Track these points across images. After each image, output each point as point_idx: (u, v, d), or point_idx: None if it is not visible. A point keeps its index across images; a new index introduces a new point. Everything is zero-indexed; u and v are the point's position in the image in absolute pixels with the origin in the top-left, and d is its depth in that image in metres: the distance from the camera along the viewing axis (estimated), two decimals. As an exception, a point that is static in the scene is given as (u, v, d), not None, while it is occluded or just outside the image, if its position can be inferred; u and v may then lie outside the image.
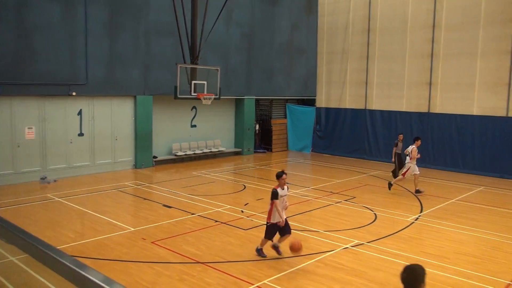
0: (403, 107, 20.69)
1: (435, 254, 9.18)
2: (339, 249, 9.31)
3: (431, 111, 19.82)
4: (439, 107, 19.62)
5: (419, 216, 12.10)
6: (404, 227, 11.04)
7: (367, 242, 9.77)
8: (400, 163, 16.49)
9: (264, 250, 8.84)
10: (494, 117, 18.00)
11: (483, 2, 18.12)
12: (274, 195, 8.53)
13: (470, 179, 17.13)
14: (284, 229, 8.64)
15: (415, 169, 14.41)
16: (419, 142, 14.67)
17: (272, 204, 8.56)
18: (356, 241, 9.81)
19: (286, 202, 8.82)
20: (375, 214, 12.11)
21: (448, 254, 9.18)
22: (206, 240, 9.77)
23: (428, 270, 8.21)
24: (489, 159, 18.10)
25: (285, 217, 8.67)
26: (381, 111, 21.41)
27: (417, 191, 14.45)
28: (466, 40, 18.61)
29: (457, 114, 19.00)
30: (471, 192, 14.92)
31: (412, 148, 14.40)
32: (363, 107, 22.11)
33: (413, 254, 9.16)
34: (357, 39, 22.26)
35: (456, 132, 18.99)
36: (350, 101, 22.69)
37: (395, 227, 10.92)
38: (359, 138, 22.23)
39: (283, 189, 8.69)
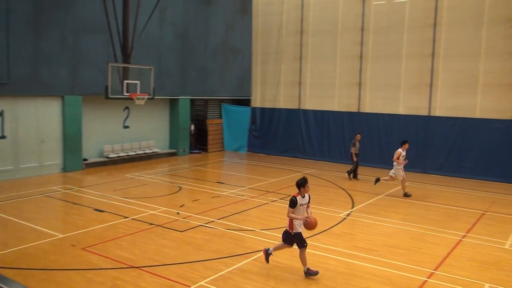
0: (335, 107, 21.40)
1: (365, 248, 9.57)
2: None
3: (361, 110, 20.67)
4: (368, 107, 20.51)
5: (350, 211, 12.56)
6: (336, 223, 11.41)
7: (302, 239, 9.98)
8: (356, 163, 17.21)
9: (269, 256, 8.42)
10: (417, 116, 19.12)
11: (407, 8, 19.19)
12: (292, 203, 7.89)
13: (423, 178, 17.97)
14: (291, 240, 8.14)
15: (400, 173, 14.42)
16: (406, 146, 14.59)
17: (290, 212, 7.94)
18: (291, 239, 9.98)
19: (308, 211, 8.15)
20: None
21: (377, 247, 9.60)
22: (140, 244, 9.52)
23: (358, 263, 8.63)
24: (413, 155, 19.15)
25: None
26: (314, 111, 22.00)
27: (406, 194, 14.50)
28: (392, 43, 19.61)
29: (384, 114, 19.96)
30: (398, 188, 15.72)
31: (398, 152, 14.43)
32: (297, 107, 22.60)
33: (344, 248, 9.49)
34: (290, 40, 22.73)
35: (383, 130, 19.94)
36: (284, 101, 23.11)
37: (328, 223, 11.25)
38: (294, 137, 22.71)
39: (303, 197, 8.03)
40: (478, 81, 17.78)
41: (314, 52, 21.95)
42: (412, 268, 8.49)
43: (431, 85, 18.81)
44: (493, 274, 8.34)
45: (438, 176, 18.27)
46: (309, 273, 7.99)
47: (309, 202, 8.16)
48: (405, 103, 19.53)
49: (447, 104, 18.56)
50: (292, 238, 8.05)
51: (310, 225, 7.94)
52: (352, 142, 17.23)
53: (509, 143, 17.12)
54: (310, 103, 22.21)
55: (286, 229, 8.12)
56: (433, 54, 18.64)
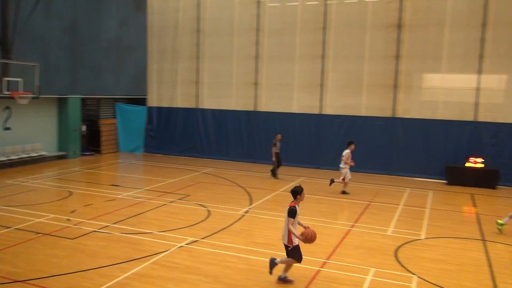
0: (233, 106, 21.68)
1: (263, 243, 9.84)
2: (174, 249, 9.29)
3: (258, 109, 21.20)
4: (264, 106, 21.10)
5: (249, 208, 12.82)
6: (235, 220, 11.57)
7: (201, 239, 9.97)
8: (279, 162, 17.43)
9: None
10: (310, 114, 20.11)
11: (298, 11, 20.07)
12: (293, 213, 7.50)
13: (292, 171, 18.80)
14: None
15: (349, 174, 14.98)
16: (352, 147, 15.06)
17: (291, 223, 7.52)
18: (191, 239, 9.92)
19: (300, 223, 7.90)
20: (208, 210, 12.42)
21: (274, 242, 9.92)
22: (26, 256, 8.76)
23: (258, 258, 8.83)
24: (307, 152, 20.17)
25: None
26: (213, 110, 22.07)
27: (343, 192, 15.07)
28: (285, 45, 20.39)
29: (279, 112, 20.69)
30: (293, 183, 16.40)
31: (347, 153, 14.91)
32: (195, 106, 22.48)
33: (244, 245, 9.66)
34: (187, 39, 22.51)
35: (279, 129, 20.61)
36: (182, 100, 22.84)
37: (227, 221, 11.36)
38: (192, 137, 22.56)
39: (298, 206, 7.77)
40: (363, 82, 19.22)
41: (211, 51, 22.00)
42: (307, 259, 8.89)
43: (321, 85, 19.89)
44: (378, 259, 9.06)
45: (330, 171, 19.39)
46: (285, 280, 7.81)
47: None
48: (298, 102, 20.44)
49: (336, 103, 19.77)
50: (288, 251, 7.69)
51: (310, 238, 7.50)
52: (273, 142, 17.55)
53: (390, 138, 18.73)
54: (208, 102, 22.24)
55: (286, 245, 7.68)
56: (323, 56, 19.73)
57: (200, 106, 22.40)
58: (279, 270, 7.95)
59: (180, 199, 13.61)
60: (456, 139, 17.97)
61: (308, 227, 7.61)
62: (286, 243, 7.67)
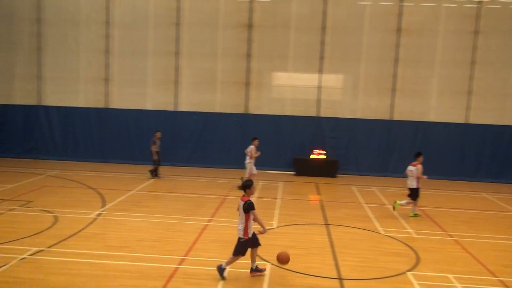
0: (81, 103, 20.25)
1: (118, 246, 9.40)
2: (14, 261, 8.32)
3: (110, 106, 20.14)
4: (116, 103, 20.14)
5: (102, 211, 12.12)
6: (87, 224, 10.84)
7: (48, 248, 9.12)
8: (159, 160, 16.83)
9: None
10: (165, 111, 19.81)
11: (151, 6, 19.58)
12: (251, 206, 7.67)
13: (144, 169, 18.31)
14: (256, 241, 8.01)
15: (254, 169, 15.29)
16: (256, 142, 15.35)
17: (248, 217, 7.71)
18: (35, 249, 9.00)
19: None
20: (55, 216, 11.42)
21: (129, 243, 9.56)
22: None
23: (112, 262, 8.40)
24: (162, 149, 19.83)
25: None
26: (58, 107, 20.31)
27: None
28: (138, 40, 19.73)
29: (133, 109, 19.96)
30: (148, 182, 15.98)
31: (251, 148, 15.17)
32: (36, 103, 20.43)
33: (97, 250, 9.10)
34: (26, 29, 20.26)
35: (133, 126, 19.92)
36: (21, 96, 20.55)
37: (77, 226, 10.59)
38: (34, 137, 20.46)
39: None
40: (217, 79, 19.62)
41: (54, 43, 20.16)
42: (164, 258, 8.78)
43: (176, 82, 19.75)
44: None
45: (186, 167, 19.39)
46: (258, 270, 8.10)
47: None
48: (153, 99, 19.98)
49: (191, 99, 19.84)
50: (247, 243, 7.86)
51: (284, 260, 7.87)
52: (152, 140, 16.78)
53: (243, 134, 19.44)
54: (52, 99, 20.39)
55: (239, 238, 7.86)
56: (177, 52, 19.60)
57: (43, 103, 20.44)
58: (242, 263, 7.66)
59: (21, 206, 12.25)
60: (302, 133, 19.50)
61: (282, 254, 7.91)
62: (242, 236, 7.83)
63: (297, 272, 8.35)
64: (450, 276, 8.45)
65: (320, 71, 19.25)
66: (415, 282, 8.12)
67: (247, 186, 7.98)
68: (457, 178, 18.87)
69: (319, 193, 15.69)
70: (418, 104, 19.13)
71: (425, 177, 12.54)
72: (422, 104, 19.14)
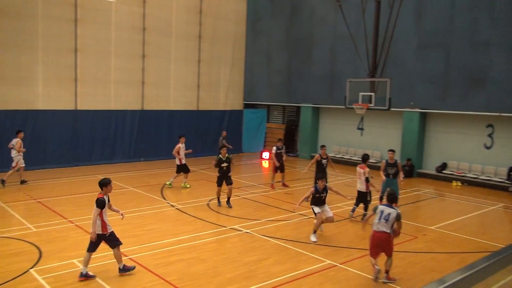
0: None
1: None
2: None
3: None
4: None
5: None
6: None
7: None
8: None
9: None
10: None
11: None
12: (101, 204, 7.81)
13: None
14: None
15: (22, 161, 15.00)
16: (22, 135, 15.15)
17: (101, 214, 7.78)
18: None
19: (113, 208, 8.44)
20: None
21: None
22: None
23: None
24: None
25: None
26: None
27: (23, 181, 15.05)
28: None
29: None
30: None
31: (17, 141, 14.86)
32: None
33: None
34: None
35: None
36: None
37: None
38: None
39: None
40: None
41: None
42: None
43: None
44: None
45: None
46: (126, 269, 8.04)
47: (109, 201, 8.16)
48: None
49: None
50: (106, 239, 7.91)
51: None
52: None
53: None
54: None
55: (99, 234, 7.82)
56: None
57: None
58: None
59: None
60: None
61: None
62: (101, 232, 7.83)
63: None
64: (75, 261, 8.54)
65: None
66: (39, 277, 7.78)
67: (103, 184, 7.98)
68: (72, 165, 19.08)
69: None
70: (26, 92, 17.99)
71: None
72: (30, 92, 18.11)
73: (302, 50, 23.94)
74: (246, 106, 26.35)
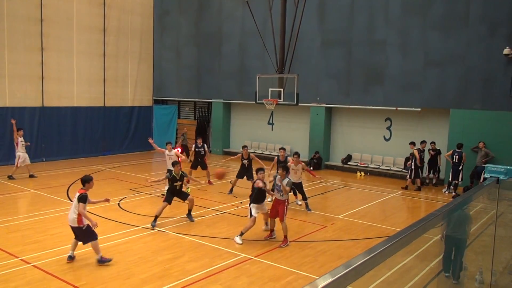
0: None
1: None
2: None
3: None
4: None
5: None
6: None
7: None
8: None
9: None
10: None
11: None
12: (84, 199, 8.31)
13: None
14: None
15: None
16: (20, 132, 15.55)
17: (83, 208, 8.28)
18: None
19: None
20: None
21: None
22: None
23: None
24: None
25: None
26: None
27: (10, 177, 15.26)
28: None
29: None
30: None
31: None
32: None
33: None
34: None
35: None
36: None
37: None
38: None
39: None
40: None
41: None
42: None
43: None
44: None
45: None
46: (103, 260, 8.36)
47: None
48: None
49: None
50: (83, 232, 8.35)
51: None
52: None
53: None
54: None
55: (77, 226, 8.33)
56: None
57: None
58: None
59: None
60: None
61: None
62: (77, 225, 8.30)
63: None
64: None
65: None
66: None
67: (86, 180, 8.54)
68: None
69: None
70: None
71: None
72: None
73: (211, 45, 23.89)
74: (156, 102, 25.77)
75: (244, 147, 15.02)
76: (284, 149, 13.79)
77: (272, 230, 10.28)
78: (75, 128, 20.95)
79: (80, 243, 8.59)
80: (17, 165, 15.86)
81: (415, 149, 16.33)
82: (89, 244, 8.45)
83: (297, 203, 13.31)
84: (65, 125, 20.84)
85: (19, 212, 11.82)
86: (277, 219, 10.06)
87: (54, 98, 20.47)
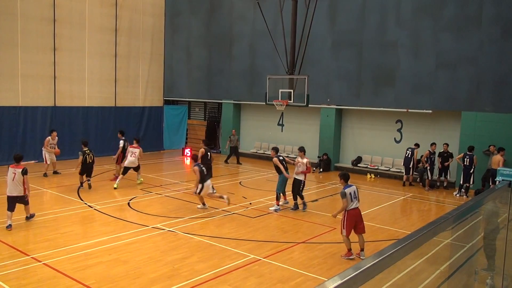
0: None
1: None
2: None
3: None
4: None
5: None
6: None
7: None
8: None
9: None
10: None
11: None
12: (27, 171, 10.32)
13: None
14: None
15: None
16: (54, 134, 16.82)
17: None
18: None
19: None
20: None
21: None
22: None
23: None
24: None
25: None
26: None
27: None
28: None
29: None
30: None
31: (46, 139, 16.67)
32: None
33: None
34: None
35: None
36: None
37: None
38: None
39: None
40: None
41: None
42: None
43: None
44: None
45: None
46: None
47: None
48: None
49: None
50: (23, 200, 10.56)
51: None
52: None
53: None
54: None
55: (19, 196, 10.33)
56: None
57: None
58: None
59: None
60: None
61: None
62: (23, 194, 10.28)
63: None
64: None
65: None
66: None
67: (20, 158, 10.46)
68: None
69: None
70: None
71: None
72: None
73: (222, 46, 23.95)
74: (167, 102, 25.89)
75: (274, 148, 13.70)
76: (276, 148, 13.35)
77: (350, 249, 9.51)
78: (87, 128, 21.12)
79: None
80: (46, 162, 16.81)
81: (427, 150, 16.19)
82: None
83: (291, 209, 12.93)
84: (76, 124, 21.03)
85: (32, 210, 11.94)
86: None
87: (66, 98, 20.67)
